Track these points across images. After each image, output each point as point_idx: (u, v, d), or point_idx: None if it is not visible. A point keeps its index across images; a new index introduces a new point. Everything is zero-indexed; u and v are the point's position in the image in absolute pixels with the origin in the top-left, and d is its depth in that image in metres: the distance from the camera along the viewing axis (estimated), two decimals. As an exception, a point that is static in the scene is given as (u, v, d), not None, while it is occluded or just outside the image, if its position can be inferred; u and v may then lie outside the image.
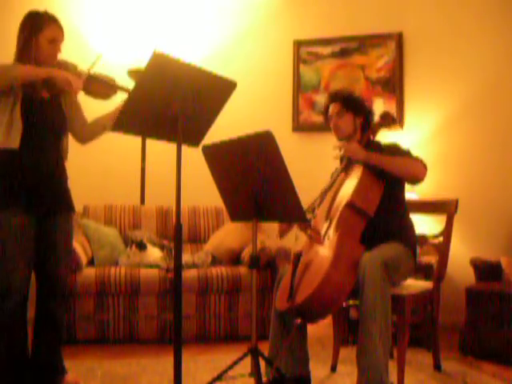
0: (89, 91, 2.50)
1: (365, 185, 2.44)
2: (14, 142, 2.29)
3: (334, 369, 2.84)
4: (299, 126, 4.31)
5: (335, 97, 2.72)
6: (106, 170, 4.35)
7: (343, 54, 4.24)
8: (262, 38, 4.39)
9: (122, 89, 2.52)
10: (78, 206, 4.05)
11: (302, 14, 4.34)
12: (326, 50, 4.28)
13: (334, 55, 4.26)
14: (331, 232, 2.38)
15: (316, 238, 2.44)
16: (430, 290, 2.66)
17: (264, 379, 2.19)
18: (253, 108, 4.29)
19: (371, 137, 2.66)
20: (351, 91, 2.86)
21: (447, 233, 2.75)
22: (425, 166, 2.49)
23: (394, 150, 2.59)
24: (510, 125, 3.93)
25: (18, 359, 2.39)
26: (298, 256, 2.33)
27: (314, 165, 4.21)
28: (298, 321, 2.23)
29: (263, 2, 4.38)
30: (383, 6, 4.18)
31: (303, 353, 2.49)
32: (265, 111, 4.31)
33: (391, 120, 2.66)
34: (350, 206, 2.39)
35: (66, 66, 2.44)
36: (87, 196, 4.17)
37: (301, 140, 4.31)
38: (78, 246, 3.57)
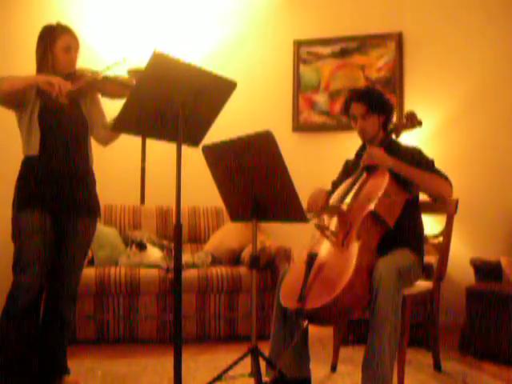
0: (104, 92, 2.55)
1: (390, 194, 2.39)
2: (34, 149, 2.41)
3: (334, 369, 2.84)
4: (299, 126, 4.31)
5: (360, 97, 2.62)
6: (106, 170, 4.34)
7: (343, 54, 4.24)
8: (262, 38, 4.39)
9: None
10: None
11: (302, 14, 4.34)
12: (326, 50, 4.28)
13: (334, 55, 4.26)
14: (352, 240, 2.30)
15: (333, 240, 2.37)
16: (430, 289, 2.66)
17: (264, 379, 2.18)
18: (253, 108, 4.29)
19: (394, 137, 2.63)
20: (374, 89, 2.74)
21: (447, 233, 2.74)
22: (451, 186, 2.48)
23: (419, 158, 2.56)
24: (510, 125, 3.93)
25: (26, 354, 2.41)
26: (313, 257, 2.26)
27: (314, 165, 4.22)
28: (305, 323, 2.21)
29: (263, 3, 4.38)
30: (383, 6, 4.18)
31: (305, 353, 2.48)
32: (265, 111, 4.31)
33: (416, 122, 2.61)
34: (373, 214, 2.35)
35: (82, 73, 2.49)
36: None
37: (301, 140, 4.31)
38: (78, 246, 3.57)
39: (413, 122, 2.61)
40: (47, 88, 2.33)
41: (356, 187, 2.51)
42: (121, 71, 4.02)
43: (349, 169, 2.78)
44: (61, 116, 2.47)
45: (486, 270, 3.35)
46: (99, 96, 2.61)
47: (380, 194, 2.37)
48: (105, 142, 2.66)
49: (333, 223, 2.48)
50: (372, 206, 2.35)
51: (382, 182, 2.42)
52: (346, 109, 2.68)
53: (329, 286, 2.15)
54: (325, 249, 2.37)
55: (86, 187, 2.56)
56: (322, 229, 2.44)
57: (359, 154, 2.75)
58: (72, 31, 2.50)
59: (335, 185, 2.80)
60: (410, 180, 2.45)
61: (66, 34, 2.47)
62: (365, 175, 2.55)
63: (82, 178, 2.53)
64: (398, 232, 2.42)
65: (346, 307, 2.16)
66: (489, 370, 2.88)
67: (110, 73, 2.52)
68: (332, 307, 2.12)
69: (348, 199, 2.48)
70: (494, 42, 3.97)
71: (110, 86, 2.51)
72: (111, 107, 2.64)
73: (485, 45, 3.98)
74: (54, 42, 2.44)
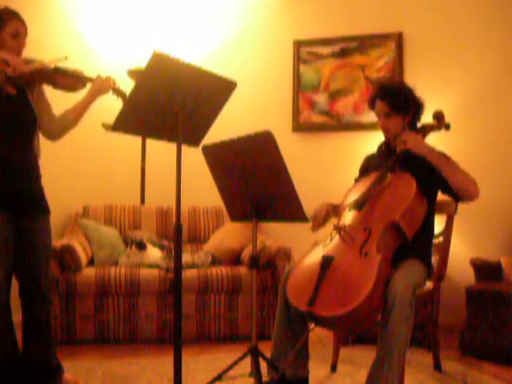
0: (55, 84, 2.46)
1: (413, 208, 2.32)
2: None
3: (334, 369, 2.84)
4: (299, 126, 4.31)
5: (384, 95, 2.58)
6: (106, 170, 4.35)
7: (343, 54, 4.24)
8: (262, 38, 4.39)
9: (90, 80, 2.51)
10: (78, 206, 4.09)
11: (302, 14, 4.33)
12: (326, 50, 4.28)
13: (334, 55, 4.26)
14: (372, 249, 2.21)
15: (350, 243, 2.29)
16: (430, 290, 2.66)
17: (265, 379, 2.18)
18: (253, 108, 4.29)
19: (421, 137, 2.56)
20: (402, 87, 2.64)
21: (447, 233, 2.75)
22: (477, 186, 2.41)
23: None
24: (510, 124, 3.93)
25: (6, 361, 2.37)
26: (329, 260, 2.21)
27: (314, 165, 4.22)
28: (312, 326, 2.20)
29: (263, 2, 4.38)
30: (383, 6, 4.18)
31: (305, 353, 2.47)
32: (265, 111, 4.31)
33: (444, 124, 2.53)
34: (395, 225, 2.28)
35: (31, 61, 2.41)
36: (87, 196, 4.18)
37: (301, 140, 4.31)
38: (78, 245, 3.57)
39: (441, 122, 2.53)
40: (1, 66, 2.23)
41: (379, 189, 2.41)
42: (121, 71, 4.04)
43: (370, 165, 2.71)
44: (10, 107, 2.35)
45: (485, 270, 3.35)
46: (44, 88, 2.52)
47: (406, 204, 2.30)
48: (53, 136, 2.55)
49: (351, 225, 2.38)
50: (396, 217, 2.27)
51: (408, 191, 2.34)
52: (371, 104, 2.64)
53: (344, 297, 2.09)
54: (341, 252, 2.27)
55: (33, 183, 2.45)
56: (340, 230, 2.36)
57: (382, 151, 2.71)
58: (20, 17, 2.40)
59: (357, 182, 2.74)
60: (440, 171, 2.38)
61: (14, 19, 2.37)
62: (389, 176, 2.44)
63: (28, 174, 2.41)
64: (412, 242, 2.35)
65: (358, 319, 2.13)
66: (489, 370, 2.88)
67: (62, 65, 2.44)
68: (345, 318, 2.08)
69: (368, 204, 2.39)
70: (493, 41, 3.97)
71: (61, 78, 2.43)
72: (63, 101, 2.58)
73: (484, 45, 3.98)
74: (2, 27, 2.34)
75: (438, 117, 2.55)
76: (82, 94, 2.55)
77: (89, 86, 2.54)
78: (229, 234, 3.92)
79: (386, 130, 2.62)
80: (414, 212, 2.34)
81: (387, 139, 2.67)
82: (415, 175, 2.40)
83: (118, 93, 2.54)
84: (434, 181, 2.48)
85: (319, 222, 2.55)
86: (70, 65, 2.49)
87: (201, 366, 2.96)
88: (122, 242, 3.87)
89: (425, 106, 2.64)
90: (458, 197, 2.47)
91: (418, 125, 2.66)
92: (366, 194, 2.41)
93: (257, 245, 2.25)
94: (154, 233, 4.04)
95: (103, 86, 2.52)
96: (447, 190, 2.47)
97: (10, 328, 2.41)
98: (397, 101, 2.56)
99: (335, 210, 2.66)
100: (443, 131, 2.60)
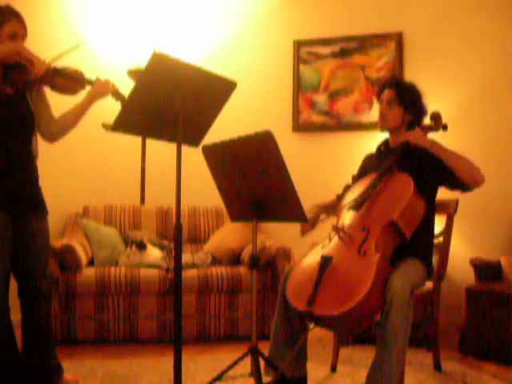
0: (53, 86, 2.42)
1: (411, 207, 2.32)
2: None
3: (333, 369, 2.83)
4: (299, 126, 4.31)
5: (394, 83, 2.62)
6: (106, 170, 4.35)
7: (343, 54, 4.24)
8: (262, 38, 4.39)
9: (89, 82, 2.48)
10: (78, 206, 4.10)
11: (302, 14, 4.34)
12: (325, 50, 4.28)
13: (334, 55, 4.26)
14: (371, 249, 2.22)
15: (348, 243, 2.30)
16: (429, 290, 2.66)
17: (264, 379, 2.18)
18: (253, 108, 4.29)
19: None
20: (414, 87, 2.66)
21: (447, 233, 2.75)
22: (483, 173, 2.39)
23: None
24: (510, 125, 3.93)
25: (6, 361, 2.37)
26: (328, 260, 2.23)
27: (314, 165, 4.22)
28: (312, 326, 2.19)
29: (263, 2, 4.38)
30: (383, 6, 4.18)
31: (303, 353, 2.48)
32: (265, 111, 4.31)
33: (441, 124, 2.53)
34: (393, 224, 2.29)
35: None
36: (87, 196, 4.19)
37: (301, 140, 4.31)
38: (78, 245, 3.57)
39: (438, 123, 2.53)
40: (28, 65, 2.20)
41: (377, 189, 2.42)
42: (121, 72, 4.05)
43: (369, 166, 2.71)
44: (8, 107, 2.33)
45: (485, 270, 3.35)
46: (44, 89, 2.48)
47: (403, 204, 2.30)
48: (51, 138, 2.52)
49: (350, 225, 2.38)
50: (394, 216, 2.28)
51: (406, 191, 2.34)
52: (379, 92, 2.66)
53: (343, 296, 2.10)
54: (340, 252, 2.28)
55: (31, 184, 2.43)
56: (339, 230, 2.37)
57: (381, 150, 2.71)
58: (20, 17, 2.32)
59: (355, 180, 2.74)
60: (444, 161, 2.37)
61: (14, 19, 2.29)
62: (387, 176, 2.45)
63: (25, 174, 2.39)
64: (411, 242, 2.35)
65: (357, 319, 2.13)
66: (489, 370, 2.88)
67: (61, 65, 2.41)
68: (343, 317, 2.08)
69: (366, 203, 2.39)
70: (494, 41, 3.97)
71: (60, 80, 2.39)
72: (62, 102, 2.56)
73: (485, 45, 3.98)
74: (0, 27, 2.27)
75: (436, 118, 2.54)
76: (81, 95, 2.54)
77: (88, 88, 2.51)
78: (229, 234, 3.92)
79: (383, 118, 2.60)
80: (412, 212, 2.34)
81: (381, 128, 2.65)
82: (414, 175, 2.40)
83: (118, 96, 2.53)
84: (438, 177, 2.47)
85: (308, 226, 2.57)
86: (69, 65, 2.48)
87: (201, 366, 2.96)
88: (122, 242, 3.87)
89: (427, 114, 2.63)
90: (464, 185, 2.43)
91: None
92: (364, 194, 2.42)
93: (257, 245, 2.25)
94: (153, 233, 4.04)
95: (102, 89, 2.50)
96: (453, 181, 2.43)
97: (9, 328, 2.40)
98: (404, 92, 2.59)
99: (327, 209, 2.68)
100: (440, 132, 2.59)
